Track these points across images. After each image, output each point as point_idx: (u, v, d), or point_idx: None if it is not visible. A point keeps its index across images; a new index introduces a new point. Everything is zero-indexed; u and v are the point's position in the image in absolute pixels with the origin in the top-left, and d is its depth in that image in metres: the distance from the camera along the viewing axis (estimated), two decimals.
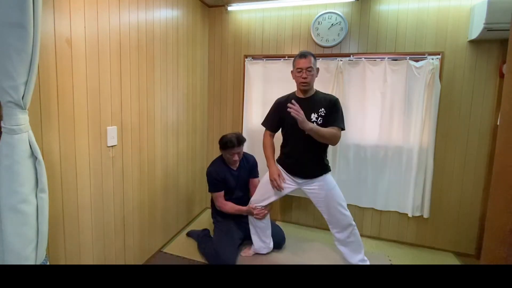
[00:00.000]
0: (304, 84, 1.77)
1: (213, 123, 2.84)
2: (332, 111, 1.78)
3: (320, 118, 1.77)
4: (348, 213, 1.85)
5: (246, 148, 2.66)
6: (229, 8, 2.58)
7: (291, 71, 1.86)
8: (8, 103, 0.94)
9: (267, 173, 1.98)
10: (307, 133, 1.74)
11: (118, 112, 1.61)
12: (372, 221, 2.45)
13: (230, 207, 2.09)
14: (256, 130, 2.61)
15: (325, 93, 1.88)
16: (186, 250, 2.16)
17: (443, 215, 2.26)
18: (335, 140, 1.77)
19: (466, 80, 2.12)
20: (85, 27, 1.35)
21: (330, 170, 1.90)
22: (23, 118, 0.98)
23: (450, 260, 2.17)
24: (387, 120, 2.27)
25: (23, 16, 0.91)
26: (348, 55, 2.34)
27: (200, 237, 2.22)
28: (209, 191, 2.14)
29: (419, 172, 2.21)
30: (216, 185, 2.08)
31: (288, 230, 2.43)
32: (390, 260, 2.13)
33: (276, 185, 1.89)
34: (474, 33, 1.97)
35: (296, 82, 1.83)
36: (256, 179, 2.26)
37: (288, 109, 1.61)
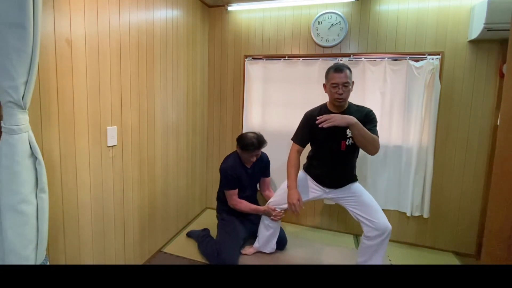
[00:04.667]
0: (340, 100, 1.65)
1: (213, 123, 2.84)
2: (366, 123, 1.63)
3: None
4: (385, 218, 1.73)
5: None
6: (229, 8, 2.58)
7: (323, 84, 1.74)
8: (8, 103, 0.94)
9: None
10: (343, 149, 1.68)
11: (118, 112, 1.61)
12: None
13: (245, 205, 2.06)
14: (256, 130, 2.60)
15: (358, 105, 1.77)
16: (186, 250, 2.16)
17: (443, 215, 2.26)
18: (376, 145, 1.60)
19: (466, 80, 2.12)
20: (85, 27, 1.35)
21: (357, 180, 1.86)
22: (23, 118, 0.98)
23: (450, 260, 2.17)
24: (387, 120, 2.27)
25: (23, 16, 0.91)
26: (348, 55, 2.34)
27: (200, 237, 2.22)
28: (224, 188, 2.10)
29: (419, 172, 2.21)
30: (231, 183, 2.06)
31: (288, 230, 2.43)
32: (390, 260, 2.13)
33: (294, 210, 1.73)
34: (474, 33, 1.97)
35: (330, 97, 1.71)
36: (267, 179, 2.28)
37: (320, 125, 1.51)
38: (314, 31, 2.38)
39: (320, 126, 1.53)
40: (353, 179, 1.84)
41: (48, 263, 1.13)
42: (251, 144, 1.97)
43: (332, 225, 2.57)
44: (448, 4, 2.10)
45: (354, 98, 2.32)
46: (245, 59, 2.63)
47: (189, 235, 2.35)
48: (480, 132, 2.12)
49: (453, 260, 2.17)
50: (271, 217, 2.00)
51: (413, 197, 2.24)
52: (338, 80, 1.61)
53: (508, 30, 1.71)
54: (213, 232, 2.26)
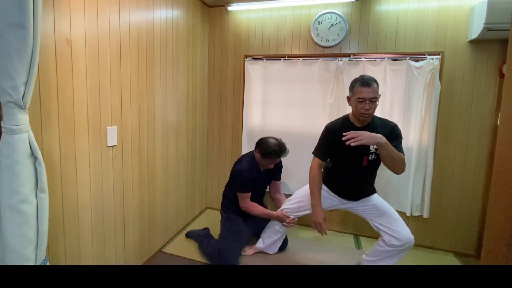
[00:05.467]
0: (366, 116, 1.54)
1: (213, 123, 2.84)
2: (391, 139, 1.54)
3: None
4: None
5: (246, 148, 2.67)
6: (229, 8, 2.58)
7: (347, 97, 1.63)
8: (8, 103, 0.94)
9: (307, 187, 1.85)
10: (365, 164, 1.62)
11: (118, 112, 1.61)
12: None
13: (259, 209, 2.03)
14: (256, 130, 2.62)
15: (381, 118, 1.68)
16: (186, 250, 2.16)
17: (443, 215, 2.26)
18: (403, 165, 1.53)
19: (466, 80, 2.12)
20: (85, 27, 1.35)
21: (376, 192, 1.81)
22: (23, 118, 0.98)
23: (450, 260, 2.17)
24: None
25: (23, 16, 0.91)
26: (348, 55, 2.34)
27: (200, 236, 2.21)
28: (238, 191, 2.06)
29: (419, 172, 2.21)
30: (247, 186, 2.03)
31: (289, 230, 2.42)
32: None
33: (319, 229, 1.70)
34: (474, 33, 1.97)
35: (355, 111, 1.58)
36: (278, 182, 2.27)
37: (347, 142, 1.45)
38: (314, 31, 2.38)
39: (347, 143, 1.46)
40: (372, 192, 1.79)
41: (48, 263, 1.13)
42: (273, 152, 1.94)
43: (332, 225, 2.57)
44: (448, 4, 2.10)
45: None
46: (245, 59, 2.63)
47: (188, 235, 2.35)
48: (480, 132, 2.12)
49: (453, 260, 2.17)
50: (284, 223, 1.99)
51: (413, 197, 2.24)
52: (365, 95, 1.49)
53: (508, 30, 1.71)
54: (213, 231, 2.26)
